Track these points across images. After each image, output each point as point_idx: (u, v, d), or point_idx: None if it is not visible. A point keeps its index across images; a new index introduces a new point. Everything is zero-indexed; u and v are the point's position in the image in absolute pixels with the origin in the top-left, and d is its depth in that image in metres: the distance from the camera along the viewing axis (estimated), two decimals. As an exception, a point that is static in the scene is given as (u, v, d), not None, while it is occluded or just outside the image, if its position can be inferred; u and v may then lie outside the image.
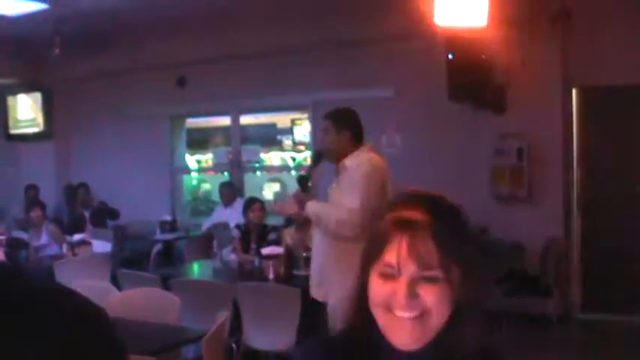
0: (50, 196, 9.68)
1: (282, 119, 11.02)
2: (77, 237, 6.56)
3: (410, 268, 1.15)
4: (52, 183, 10.20)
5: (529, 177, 6.99)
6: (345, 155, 3.80)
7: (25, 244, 7.04)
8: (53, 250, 6.99)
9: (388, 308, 1.17)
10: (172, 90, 9.13)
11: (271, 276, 5.16)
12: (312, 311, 4.10)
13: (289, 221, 5.83)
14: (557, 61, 6.80)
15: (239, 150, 9.29)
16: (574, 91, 6.97)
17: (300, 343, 4.36)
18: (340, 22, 7.64)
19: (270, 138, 11.40)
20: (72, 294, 0.72)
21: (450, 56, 6.54)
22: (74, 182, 9.58)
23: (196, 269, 6.43)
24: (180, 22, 8.48)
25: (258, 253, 5.65)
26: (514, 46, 6.42)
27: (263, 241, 5.95)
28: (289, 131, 10.87)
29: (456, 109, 6.95)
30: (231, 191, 8.50)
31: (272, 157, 11.15)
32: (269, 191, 10.58)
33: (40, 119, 10.27)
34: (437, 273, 1.15)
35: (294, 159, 10.86)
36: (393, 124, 7.61)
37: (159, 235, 8.55)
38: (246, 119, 9.63)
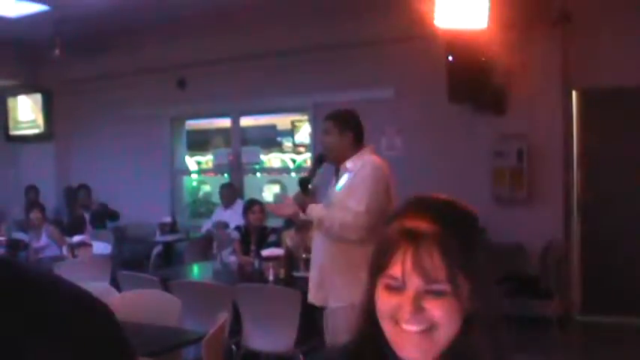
0: (50, 197, 9.68)
1: (282, 121, 11.01)
2: (77, 238, 6.56)
3: (415, 282, 1.11)
4: (52, 184, 10.20)
5: (529, 178, 6.99)
6: (347, 157, 3.77)
7: (24, 246, 7.04)
8: (53, 251, 6.99)
9: (395, 321, 1.12)
10: (172, 91, 9.13)
11: (271, 278, 5.16)
12: (312, 313, 4.09)
13: (289, 223, 5.83)
14: (557, 63, 6.80)
15: (239, 152, 9.29)
16: (574, 93, 6.97)
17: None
18: (340, 24, 7.64)
19: (270, 140, 11.40)
20: (76, 289, 0.72)
21: (450, 58, 6.54)
22: (74, 184, 9.57)
23: (196, 271, 6.43)
24: (181, 24, 8.49)
25: (258, 255, 5.65)
26: (514, 49, 6.42)
27: (263, 243, 5.94)
28: (289, 133, 10.87)
29: (456, 110, 6.95)
30: (231, 193, 8.49)
31: (272, 159, 11.14)
32: (269, 193, 10.57)
33: (41, 120, 10.28)
34: (443, 287, 1.10)
35: (294, 161, 10.85)
36: (393, 127, 7.61)
37: (159, 237, 8.55)
38: (246, 121, 9.63)
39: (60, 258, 6.57)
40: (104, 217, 8.91)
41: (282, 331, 4.57)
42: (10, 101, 10.51)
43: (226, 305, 4.60)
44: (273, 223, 6.61)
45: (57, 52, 8.36)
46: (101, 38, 8.95)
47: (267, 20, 8.09)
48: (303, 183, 3.91)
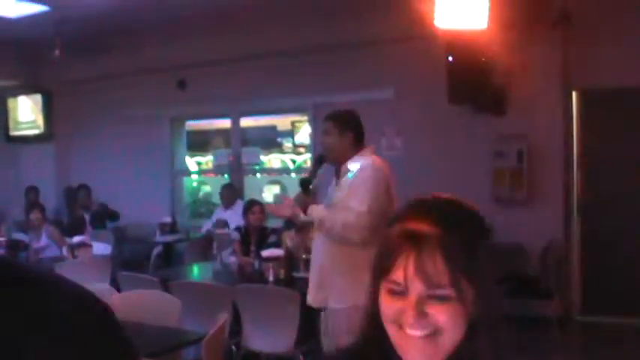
0: (50, 198, 9.69)
1: (282, 121, 11.01)
2: (77, 239, 6.56)
3: (417, 287, 1.08)
4: (52, 185, 10.21)
5: (529, 179, 6.99)
6: (347, 157, 3.75)
7: (24, 246, 7.04)
8: (53, 252, 7.00)
9: (399, 325, 1.10)
10: (173, 92, 9.14)
11: (271, 278, 5.16)
12: (312, 314, 4.09)
13: (289, 223, 5.82)
14: (557, 63, 6.80)
15: (239, 152, 9.29)
16: (574, 94, 6.98)
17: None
18: (340, 25, 7.64)
19: (271, 140, 11.40)
20: (77, 289, 0.72)
21: (450, 58, 6.54)
22: (74, 184, 9.57)
23: (196, 271, 6.43)
24: (181, 25, 8.49)
25: (258, 256, 5.65)
26: (514, 49, 6.42)
27: (263, 244, 5.95)
28: (289, 133, 10.87)
29: (456, 111, 6.96)
30: (231, 193, 8.50)
31: (272, 160, 11.13)
32: (269, 193, 10.57)
33: (41, 121, 10.29)
34: (447, 292, 1.08)
35: (294, 161, 10.85)
36: (393, 128, 7.62)
37: (159, 237, 8.55)
38: (246, 121, 9.63)
39: (60, 258, 6.57)
40: (104, 217, 8.91)
41: (282, 332, 4.57)
42: (10, 102, 10.52)
43: (226, 306, 4.60)
44: (273, 223, 6.61)
45: (57, 52, 8.36)
46: (101, 39, 8.95)
47: (267, 21, 8.09)
48: (305, 183, 3.90)
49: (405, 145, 7.60)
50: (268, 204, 6.67)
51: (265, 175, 10.88)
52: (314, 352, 4.44)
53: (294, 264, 5.37)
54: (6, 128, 10.53)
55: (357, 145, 3.80)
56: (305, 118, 9.46)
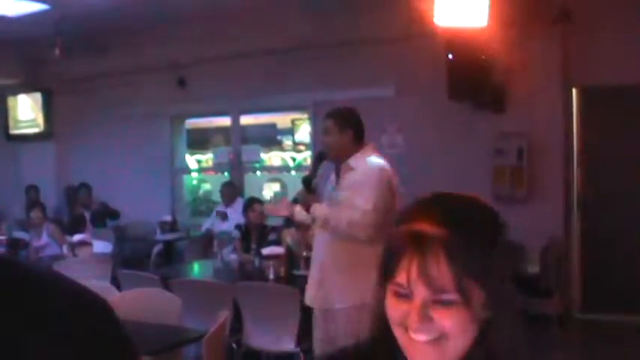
0: (51, 196, 9.69)
1: (282, 119, 11.02)
2: (77, 237, 6.57)
3: (421, 291, 1.03)
4: (52, 183, 10.21)
5: (529, 176, 6.99)
6: (349, 155, 3.72)
7: (25, 245, 7.05)
8: (53, 250, 7.00)
9: (405, 328, 1.06)
10: (173, 90, 9.13)
11: (271, 276, 5.16)
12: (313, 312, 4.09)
13: (289, 221, 5.82)
14: (557, 60, 6.80)
15: (239, 150, 9.29)
16: (574, 91, 6.97)
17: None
18: (341, 22, 7.64)
19: (271, 138, 11.41)
20: (76, 287, 0.72)
21: (450, 56, 6.54)
22: (75, 183, 9.58)
23: (197, 269, 6.44)
24: (181, 23, 8.49)
25: (259, 254, 5.65)
26: (514, 46, 6.42)
27: (263, 242, 5.95)
28: (289, 131, 10.88)
29: (456, 108, 6.95)
30: (231, 191, 8.50)
31: (272, 158, 11.15)
32: (269, 191, 10.58)
33: (41, 120, 10.29)
34: (452, 297, 1.02)
35: (294, 159, 10.86)
36: (394, 125, 7.61)
37: (159, 236, 8.56)
38: (246, 119, 9.63)
39: (60, 257, 6.58)
40: (104, 216, 8.92)
41: (282, 330, 4.58)
42: (10, 100, 10.52)
43: (227, 304, 4.60)
44: (273, 221, 6.61)
45: (57, 51, 8.35)
46: (101, 37, 8.95)
47: (267, 19, 8.08)
48: (306, 181, 3.87)
49: (405, 142, 7.60)
50: (266, 205, 6.66)
51: (265, 172, 10.89)
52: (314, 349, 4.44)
53: (294, 262, 5.38)
54: (6, 127, 10.53)
55: (357, 142, 3.77)
56: (305, 115, 9.46)
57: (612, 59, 6.55)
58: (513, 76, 6.77)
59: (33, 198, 9.10)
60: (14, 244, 6.93)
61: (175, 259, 8.24)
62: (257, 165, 9.94)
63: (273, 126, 11.41)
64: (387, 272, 1.08)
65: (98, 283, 4.66)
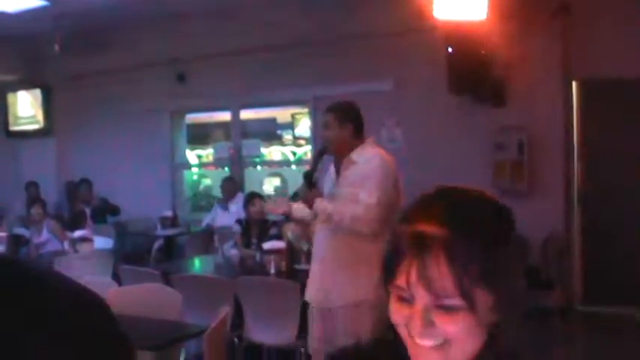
0: (51, 192, 9.69)
1: (282, 114, 11.00)
2: (79, 233, 6.57)
3: (422, 296, 0.98)
4: (53, 180, 10.21)
5: (529, 170, 6.98)
6: (350, 149, 3.70)
7: (26, 241, 7.05)
8: (54, 246, 7.01)
9: (409, 331, 1.02)
10: (172, 85, 9.12)
11: (272, 271, 5.17)
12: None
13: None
14: (557, 54, 6.79)
15: (239, 145, 9.29)
16: (574, 84, 6.96)
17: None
18: (340, 16, 7.64)
19: (271, 133, 11.39)
20: (74, 285, 0.72)
21: (450, 50, 6.53)
22: (75, 179, 9.58)
23: (197, 264, 6.44)
24: (180, 18, 8.48)
25: (260, 248, 5.66)
26: (514, 40, 6.41)
27: (264, 236, 5.96)
28: (289, 126, 10.86)
29: (456, 102, 6.95)
30: (232, 186, 8.50)
31: (272, 152, 11.14)
32: (269, 186, 10.58)
33: (40, 116, 10.29)
34: (454, 302, 0.97)
35: (294, 153, 10.85)
36: (393, 119, 7.61)
37: (160, 231, 8.56)
38: (246, 114, 9.62)
39: (61, 253, 6.59)
40: (104, 211, 8.92)
41: (283, 324, 4.58)
42: (10, 97, 10.51)
43: (228, 298, 4.61)
44: (273, 216, 6.60)
45: (56, 47, 8.35)
46: (101, 33, 8.94)
47: (267, 13, 8.07)
48: (308, 176, 3.86)
49: (404, 137, 7.59)
50: (267, 203, 6.64)
51: (266, 167, 10.88)
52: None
53: (295, 256, 5.38)
54: (6, 123, 10.52)
55: (358, 136, 3.75)
56: (305, 110, 9.45)
57: (612, 52, 6.54)
58: (513, 69, 6.76)
59: (33, 194, 9.10)
60: (15, 241, 6.93)
61: (176, 254, 8.25)
62: (257, 160, 9.93)
63: (273, 120, 11.39)
64: (388, 274, 1.04)
65: (99, 279, 4.67)
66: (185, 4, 8.10)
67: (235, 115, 9.30)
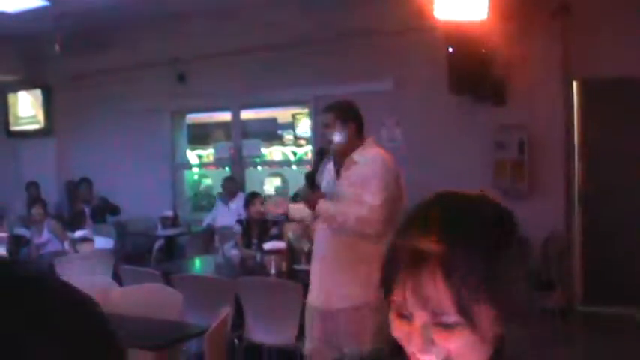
0: (51, 192, 9.69)
1: (282, 114, 11.01)
2: (79, 233, 6.58)
3: (420, 314, 0.95)
4: (53, 180, 10.21)
5: (530, 170, 6.98)
6: (352, 149, 3.66)
7: (26, 242, 7.05)
8: (55, 246, 7.01)
9: (410, 348, 0.98)
10: (173, 85, 9.13)
11: (273, 271, 5.17)
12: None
13: (289, 216, 5.82)
14: (557, 53, 6.79)
15: (240, 145, 9.29)
16: (574, 84, 6.96)
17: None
18: (340, 16, 7.63)
19: (271, 133, 11.40)
20: (67, 286, 0.72)
21: (450, 49, 6.53)
22: (75, 178, 9.58)
23: (198, 264, 6.44)
24: (180, 18, 8.48)
25: (260, 248, 5.66)
26: (514, 39, 6.41)
27: (264, 236, 5.96)
28: (290, 126, 10.87)
29: (456, 102, 6.95)
30: (232, 186, 8.51)
31: (273, 152, 11.14)
32: (270, 186, 10.58)
33: (41, 116, 10.29)
34: (452, 319, 0.93)
35: (295, 154, 10.86)
36: (393, 118, 7.61)
37: (160, 231, 8.56)
38: (246, 114, 9.63)
39: (62, 253, 6.59)
40: (104, 211, 8.92)
41: (284, 324, 4.58)
42: (11, 97, 10.52)
43: (228, 299, 4.61)
44: (273, 216, 6.60)
45: (57, 47, 8.35)
46: (101, 33, 8.94)
47: (267, 13, 8.07)
48: (309, 177, 3.83)
49: (404, 136, 7.59)
50: (268, 204, 6.63)
51: (266, 167, 10.88)
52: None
53: (295, 256, 5.37)
54: (6, 123, 10.53)
55: (359, 136, 3.72)
56: (305, 110, 9.46)
57: (612, 52, 6.54)
58: (513, 68, 6.76)
59: (34, 195, 9.11)
60: (16, 241, 6.93)
61: (176, 254, 8.25)
62: (258, 160, 9.94)
63: (273, 121, 11.40)
64: (385, 288, 1.00)
65: (99, 279, 4.68)
66: (185, 4, 8.10)
67: (236, 115, 9.30)
